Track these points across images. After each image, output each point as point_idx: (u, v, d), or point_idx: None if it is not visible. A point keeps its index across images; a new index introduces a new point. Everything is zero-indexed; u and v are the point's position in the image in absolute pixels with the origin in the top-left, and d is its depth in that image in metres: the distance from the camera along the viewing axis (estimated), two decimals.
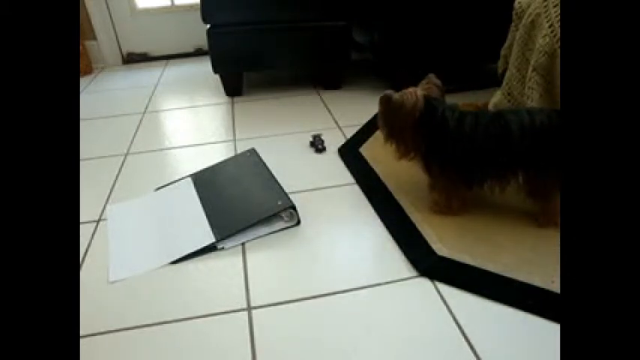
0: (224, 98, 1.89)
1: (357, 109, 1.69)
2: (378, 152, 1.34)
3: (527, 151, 0.92)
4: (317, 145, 1.38)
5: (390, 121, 0.99)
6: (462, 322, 0.78)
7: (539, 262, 0.89)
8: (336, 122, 1.60)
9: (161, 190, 1.23)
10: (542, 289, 0.83)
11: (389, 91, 0.97)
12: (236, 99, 1.88)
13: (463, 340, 0.75)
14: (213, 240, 0.99)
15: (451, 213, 1.05)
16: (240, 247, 0.99)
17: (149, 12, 2.39)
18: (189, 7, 2.38)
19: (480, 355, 0.72)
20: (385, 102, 0.97)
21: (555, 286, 0.83)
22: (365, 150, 1.36)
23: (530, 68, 1.20)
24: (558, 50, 1.11)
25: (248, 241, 1.01)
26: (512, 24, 1.35)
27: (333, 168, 1.29)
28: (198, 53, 2.53)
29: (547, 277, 0.85)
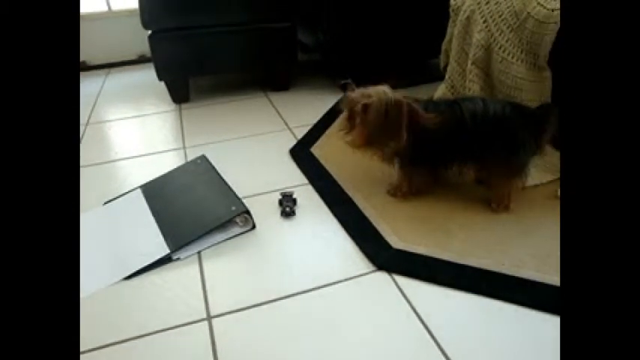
0: (171, 105, 1.85)
1: (306, 109, 1.69)
2: (329, 151, 1.35)
3: (479, 138, 0.97)
4: (285, 207, 1.09)
5: (380, 122, 0.96)
6: (420, 312, 0.80)
7: (489, 246, 0.93)
8: (285, 123, 1.60)
9: (110, 203, 1.18)
10: (494, 272, 0.86)
11: (382, 94, 0.95)
12: (183, 105, 1.84)
13: (423, 329, 0.77)
14: (168, 251, 0.97)
15: (408, 196, 1.10)
16: (196, 256, 0.97)
17: (84, 18, 2.29)
18: (129, 13, 2.30)
19: (440, 342, 0.74)
20: (382, 104, 0.95)
21: (506, 269, 0.87)
22: (316, 150, 1.37)
23: (470, 62, 1.25)
24: (493, 44, 1.16)
25: (204, 249, 0.99)
26: (450, 20, 1.40)
27: (285, 169, 1.29)
28: (141, 60, 2.45)
29: (497, 260, 0.89)
